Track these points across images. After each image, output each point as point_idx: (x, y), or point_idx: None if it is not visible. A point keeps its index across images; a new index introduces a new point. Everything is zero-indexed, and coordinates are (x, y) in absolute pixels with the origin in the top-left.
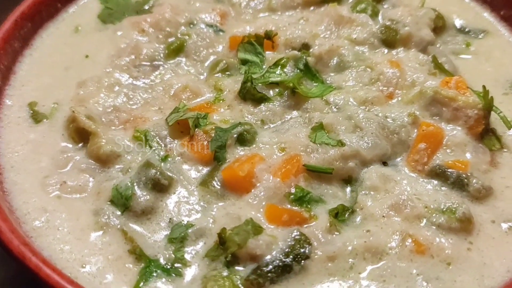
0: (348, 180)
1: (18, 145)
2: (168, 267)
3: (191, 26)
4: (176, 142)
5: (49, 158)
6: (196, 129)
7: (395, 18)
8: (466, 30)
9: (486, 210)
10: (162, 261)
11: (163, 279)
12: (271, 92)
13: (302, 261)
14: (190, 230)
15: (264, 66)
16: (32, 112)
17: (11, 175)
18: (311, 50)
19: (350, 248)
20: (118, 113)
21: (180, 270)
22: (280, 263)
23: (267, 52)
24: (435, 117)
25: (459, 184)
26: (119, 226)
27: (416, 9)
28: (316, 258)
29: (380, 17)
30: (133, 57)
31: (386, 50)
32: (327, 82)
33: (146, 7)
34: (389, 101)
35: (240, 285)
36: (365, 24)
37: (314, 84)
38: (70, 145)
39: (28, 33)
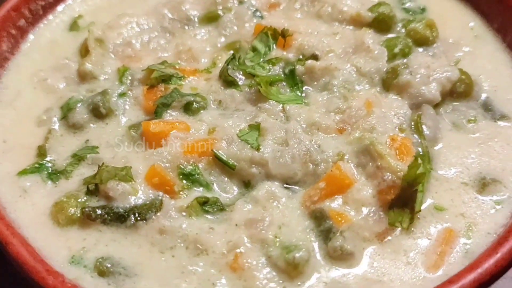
0: (247, 184)
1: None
2: (52, 172)
3: (239, 3)
4: (141, 87)
5: (58, 58)
6: (160, 83)
7: (411, 64)
8: (490, 107)
9: (329, 271)
10: (52, 167)
11: (42, 179)
12: (243, 81)
13: (138, 221)
14: (90, 155)
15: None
16: (73, 22)
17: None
18: (307, 62)
19: (184, 233)
20: (126, 48)
21: (59, 179)
22: (119, 212)
23: (278, 49)
24: (359, 167)
25: (325, 234)
26: (51, 126)
27: (444, 64)
28: (150, 225)
29: (404, 59)
30: (173, 10)
31: (378, 89)
32: (303, 95)
33: None
34: (337, 134)
35: (78, 207)
36: (378, 58)
37: (289, 91)
38: (76, 57)
39: None
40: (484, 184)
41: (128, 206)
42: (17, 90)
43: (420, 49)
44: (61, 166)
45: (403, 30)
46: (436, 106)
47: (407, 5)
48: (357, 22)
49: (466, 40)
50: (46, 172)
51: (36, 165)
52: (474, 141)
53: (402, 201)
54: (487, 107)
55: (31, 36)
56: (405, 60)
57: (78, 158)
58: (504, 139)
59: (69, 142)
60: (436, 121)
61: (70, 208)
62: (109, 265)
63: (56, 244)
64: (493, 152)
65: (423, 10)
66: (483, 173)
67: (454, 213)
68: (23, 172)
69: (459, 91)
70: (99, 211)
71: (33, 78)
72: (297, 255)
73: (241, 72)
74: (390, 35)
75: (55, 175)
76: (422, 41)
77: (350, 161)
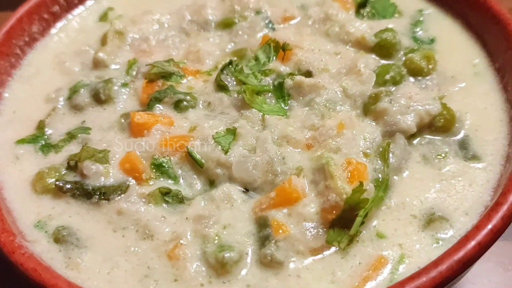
0: (212, 183)
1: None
2: (45, 144)
3: (256, 13)
4: (142, 80)
5: (80, 44)
6: (160, 79)
7: (395, 93)
8: (465, 146)
9: (256, 275)
10: (47, 140)
11: (35, 149)
12: (233, 86)
13: (102, 200)
14: (81, 135)
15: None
16: (103, 14)
17: None
18: (296, 77)
19: (138, 217)
20: (143, 43)
21: (49, 152)
22: (88, 189)
23: (277, 61)
24: (312, 184)
25: (262, 241)
26: (57, 104)
27: (428, 98)
28: (112, 205)
29: (393, 87)
30: (193, 13)
31: (358, 112)
32: (287, 108)
33: None
34: (304, 149)
35: (55, 180)
36: (365, 82)
37: (274, 102)
38: (97, 45)
39: None
40: (430, 220)
41: (97, 185)
42: (38, 68)
43: (412, 79)
44: (54, 141)
45: (403, 58)
46: (411, 136)
47: (418, 34)
48: (361, 45)
49: (465, 75)
50: (40, 144)
51: (34, 136)
52: (438, 176)
53: (343, 222)
54: (463, 145)
55: (62, 22)
56: (393, 88)
57: (70, 136)
58: (468, 180)
59: (68, 120)
60: (405, 151)
61: (48, 179)
62: (65, 234)
63: (28, 209)
64: (453, 190)
65: (432, 41)
66: (434, 209)
67: (393, 242)
68: (21, 141)
69: (437, 125)
70: (69, 186)
71: (54, 59)
72: (226, 255)
73: (233, 78)
74: (390, 62)
75: (47, 148)
76: (416, 72)
77: (305, 177)
